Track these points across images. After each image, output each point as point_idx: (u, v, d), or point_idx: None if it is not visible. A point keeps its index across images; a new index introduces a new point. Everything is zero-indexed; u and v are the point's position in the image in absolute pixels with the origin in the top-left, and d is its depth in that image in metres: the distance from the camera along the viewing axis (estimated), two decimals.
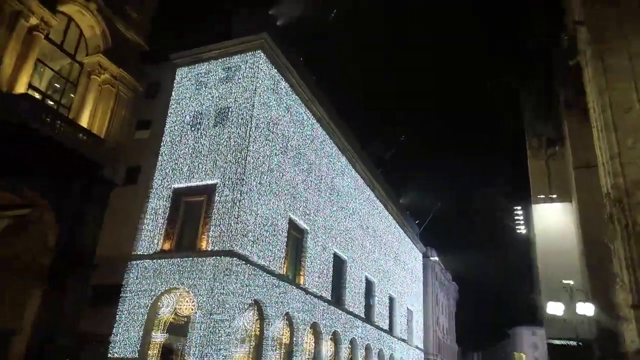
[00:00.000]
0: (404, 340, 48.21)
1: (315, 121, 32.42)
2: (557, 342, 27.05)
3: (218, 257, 22.18)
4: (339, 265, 33.88)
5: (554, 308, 19.01)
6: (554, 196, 32.95)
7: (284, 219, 26.95)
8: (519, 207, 42.63)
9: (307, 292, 28.63)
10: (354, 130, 39.62)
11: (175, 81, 27.72)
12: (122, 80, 17.48)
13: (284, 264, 26.62)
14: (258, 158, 24.91)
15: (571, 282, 20.21)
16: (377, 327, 40.22)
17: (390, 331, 43.85)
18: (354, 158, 38.57)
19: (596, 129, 22.81)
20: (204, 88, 26.82)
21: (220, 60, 27.04)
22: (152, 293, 22.93)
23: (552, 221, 31.59)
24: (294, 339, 27.17)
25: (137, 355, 21.91)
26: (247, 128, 24.50)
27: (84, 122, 16.31)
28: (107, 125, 16.56)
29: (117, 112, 16.96)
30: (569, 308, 19.31)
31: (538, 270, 31.57)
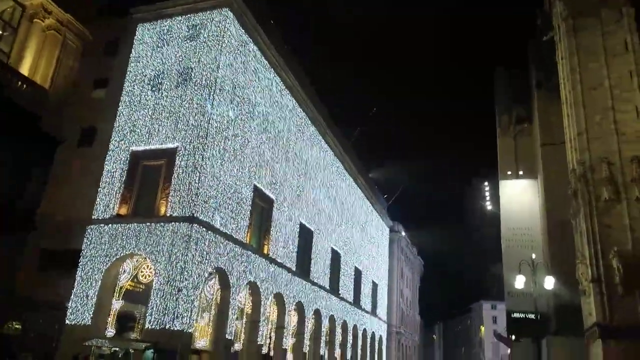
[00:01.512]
0: (368, 312, 48.71)
1: (284, 88, 31.37)
2: (516, 314, 27.67)
3: (177, 223, 21.37)
4: (305, 235, 33.47)
5: (517, 281, 19.15)
6: (521, 172, 33.23)
7: (248, 186, 26.18)
8: (487, 184, 43.05)
9: (271, 261, 28.16)
10: (326, 100, 38.70)
11: (135, 38, 26.09)
12: (69, 26, 16.01)
13: (248, 232, 25.97)
14: (222, 122, 23.88)
15: (533, 255, 20.36)
16: (342, 299, 40.34)
17: (355, 303, 44.11)
18: (324, 129, 37.81)
19: (566, 105, 22.74)
20: (166, 46, 25.31)
21: (184, 17, 25.51)
22: (107, 259, 22.03)
23: (517, 197, 31.96)
24: (260, 309, 26.79)
25: (90, 323, 21.13)
26: (210, 90, 23.36)
27: (24, 70, 14.84)
28: (51, 76, 15.18)
29: (63, 62, 15.59)
30: (529, 281, 19.46)
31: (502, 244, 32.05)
